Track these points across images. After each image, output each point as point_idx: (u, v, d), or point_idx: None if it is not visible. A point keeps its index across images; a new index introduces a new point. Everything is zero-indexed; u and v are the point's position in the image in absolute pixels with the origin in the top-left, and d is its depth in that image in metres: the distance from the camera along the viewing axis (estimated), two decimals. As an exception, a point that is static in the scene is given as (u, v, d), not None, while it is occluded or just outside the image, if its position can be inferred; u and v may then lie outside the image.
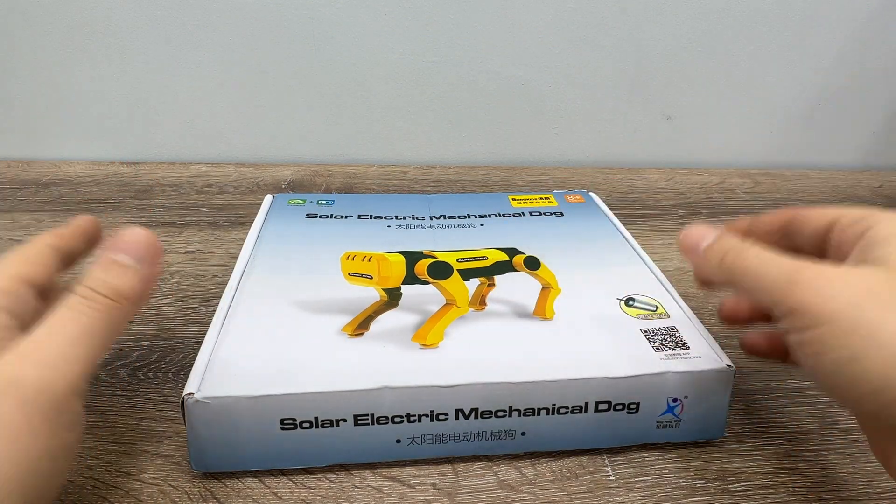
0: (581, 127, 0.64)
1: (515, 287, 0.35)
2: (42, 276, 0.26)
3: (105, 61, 0.57)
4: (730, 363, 0.29)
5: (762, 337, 0.30)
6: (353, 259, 0.35)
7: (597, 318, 0.32)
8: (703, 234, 0.28)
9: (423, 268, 0.35)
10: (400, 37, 0.58)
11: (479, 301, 0.33)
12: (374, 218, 0.42)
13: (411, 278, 0.34)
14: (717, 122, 0.65)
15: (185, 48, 0.57)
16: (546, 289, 0.34)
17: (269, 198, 0.45)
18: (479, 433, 0.28)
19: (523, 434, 0.29)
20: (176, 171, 0.59)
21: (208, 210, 0.52)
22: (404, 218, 0.42)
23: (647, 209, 0.56)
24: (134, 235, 0.25)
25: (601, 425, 0.29)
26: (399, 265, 0.35)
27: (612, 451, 0.30)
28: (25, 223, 0.49)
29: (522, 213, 0.44)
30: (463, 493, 0.28)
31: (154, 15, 0.55)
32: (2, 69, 0.57)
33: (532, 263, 0.37)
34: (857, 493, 0.28)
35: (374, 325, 0.31)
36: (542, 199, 0.46)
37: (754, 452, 0.30)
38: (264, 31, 0.56)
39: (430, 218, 0.42)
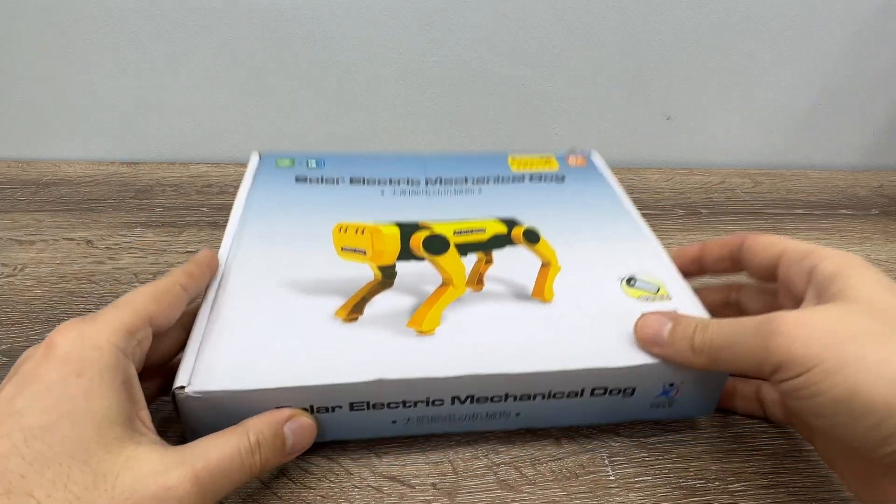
0: (581, 127, 0.64)
1: (514, 264, 0.33)
2: (168, 320, 0.26)
3: (105, 61, 0.57)
4: None
5: (748, 386, 0.31)
6: (345, 231, 0.34)
7: (596, 300, 0.31)
8: (659, 321, 0.28)
9: (418, 241, 0.33)
10: (400, 37, 0.57)
11: (477, 280, 0.32)
12: (368, 183, 0.40)
13: (406, 253, 0.33)
14: (717, 122, 0.65)
15: (185, 48, 0.57)
16: (545, 266, 0.33)
17: (255, 157, 0.42)
18: (474, 415, 0.28)
19: (518, 415, 0.29)
20: (176, 171, 0.59)
21: (208, 210, 0.52)
22: (399, 183, 0.40)
23: (647, 209, 0.56)
24: (308, 430, 0.26)
25: (595, 407, 0.29)
26: (393, 238, 0.33)
27: (611, 451, 0.30)
28: (25, 223, 0.49)
29: (522, 177, 0.42)
30: (463, 493, 0.28)
31: (154, 15, 0.55)
32: (2, 69, 0.57)
33: (531, 236, 0.35)
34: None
35: (369, 309, 0.30)
36: (542, 160, 0.44)
37: (754, 452, 0.30)
38: (264, 30, 0.56)
39: (426, 182, 0.40)
